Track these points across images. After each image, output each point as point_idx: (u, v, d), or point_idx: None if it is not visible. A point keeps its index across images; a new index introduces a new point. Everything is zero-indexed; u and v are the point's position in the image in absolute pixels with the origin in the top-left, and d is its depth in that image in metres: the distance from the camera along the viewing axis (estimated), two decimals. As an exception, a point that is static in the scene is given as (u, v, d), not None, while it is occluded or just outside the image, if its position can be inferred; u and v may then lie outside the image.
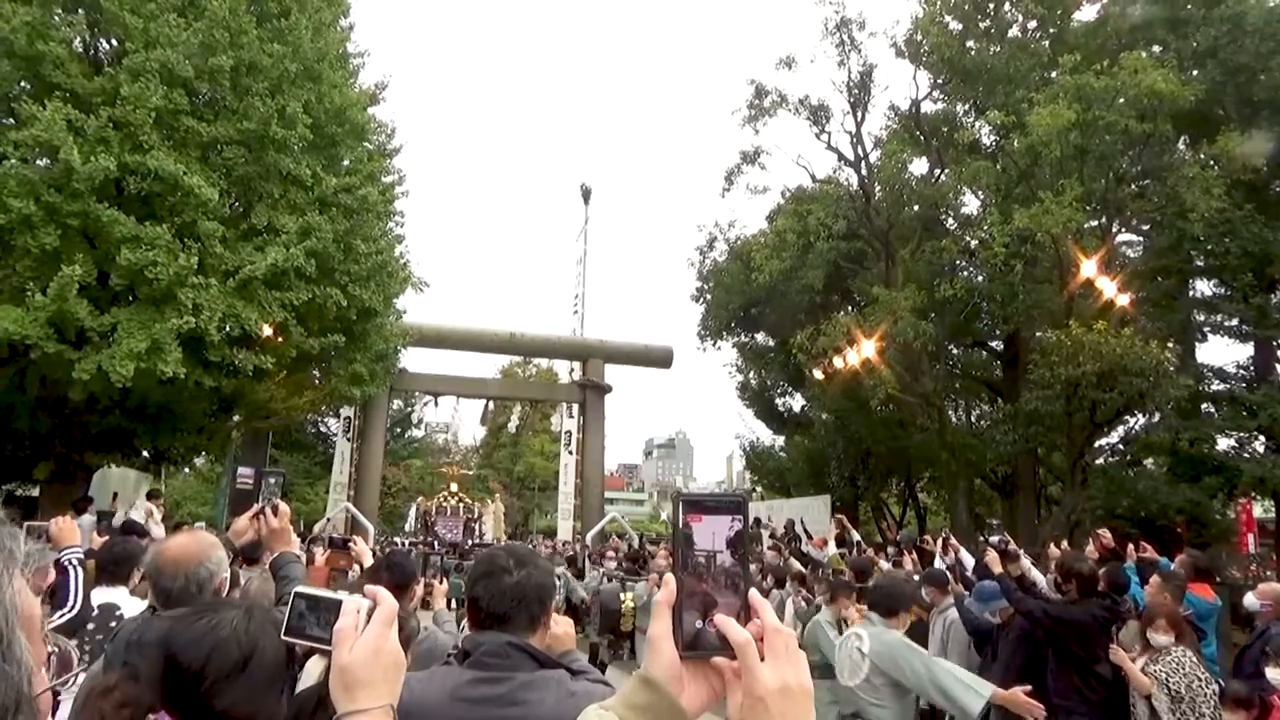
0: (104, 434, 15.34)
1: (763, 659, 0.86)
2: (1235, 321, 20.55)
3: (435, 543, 27.98)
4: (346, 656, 1.21)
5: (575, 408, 28.78)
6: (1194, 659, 5.03)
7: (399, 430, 47.13)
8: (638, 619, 11.88)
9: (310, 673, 3.62)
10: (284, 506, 2.92)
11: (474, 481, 47.59)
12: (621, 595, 12.46)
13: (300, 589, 1.37)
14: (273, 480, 2.95)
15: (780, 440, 33.20)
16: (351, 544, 4.84)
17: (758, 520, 24.95)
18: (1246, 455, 19.90)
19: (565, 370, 32.72)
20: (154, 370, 12.29)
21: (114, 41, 14.09)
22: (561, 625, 2.32)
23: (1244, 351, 22.28)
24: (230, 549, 2.89)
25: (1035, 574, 7.02)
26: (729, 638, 0.87)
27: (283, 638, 1.34)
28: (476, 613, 2.03)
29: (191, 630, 1.99)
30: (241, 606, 1.99)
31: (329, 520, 18.90)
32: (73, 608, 3.09)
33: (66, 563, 3.23)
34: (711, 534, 0.91)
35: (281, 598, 2.72)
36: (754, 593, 0.90)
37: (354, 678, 1.20)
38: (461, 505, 34.29)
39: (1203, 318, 21.82)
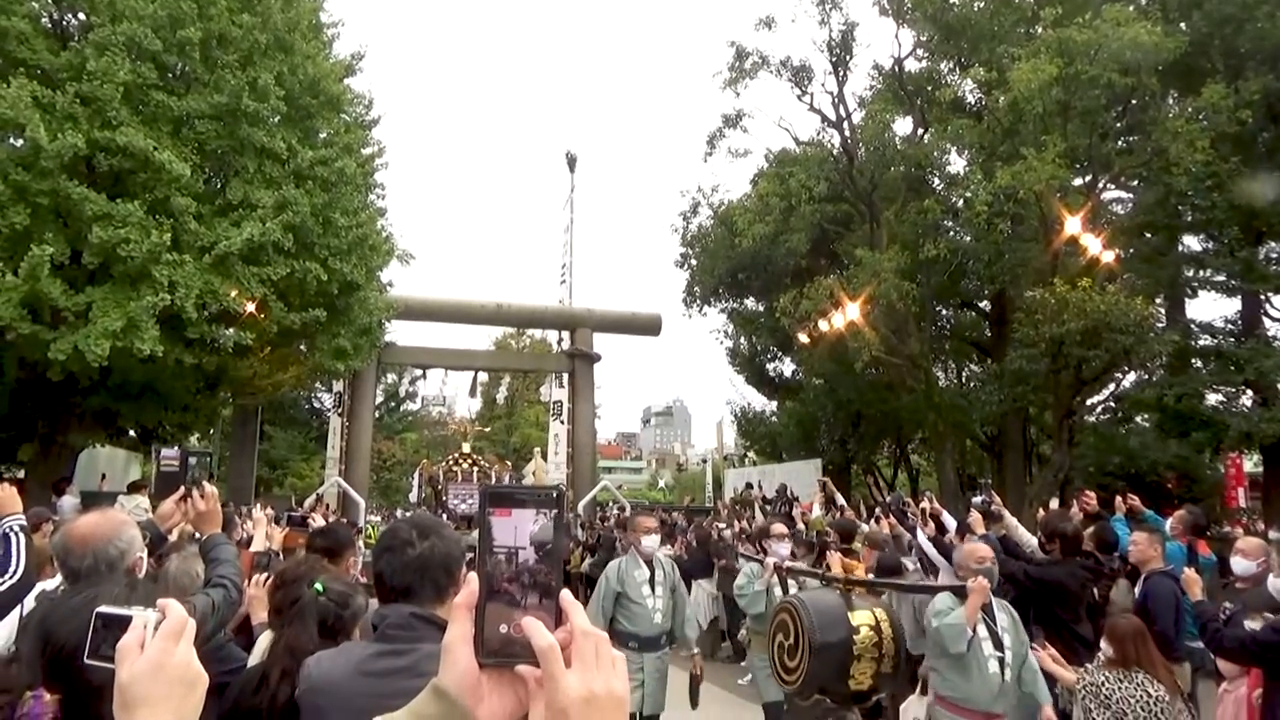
0: (88, 414, 15.30)
1: (570, 665, 0.79)
2: (1223, 276, 20.38)
3: (446, 516, 23.18)
4: (126, 674, 1.10)
5: (565, 377, 28.70)
6: (1150, 683, 4.26)
7: (392, 404, 47.02)
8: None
9: (261, 647, 3.60)
10: (210, 488, 2.87)
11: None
12: (851, 616, 5.02)
13: (101, 608, 1.26)
14: (194, 461, 2.89)
15: (772, 405, 33.20)
16: (310, 520, 4.82)
17: (749, 485, 25.07)
18: (1234, 410, 19.88)
19: (557, 340, 32.35)
20: (131, 349, 12.22)
21: (80, 15, 13.88)
22: None
23: (1232, 306, 22.19)
24: (154, 533, 2.83)
25: (1022, 534, 6.89)
26: (532, 643, 0.79)
27: (86, 661, 1.23)
28: (381, 587, 2.01)
29: (64, 608, 1.95)
30: (125, 582, 1.95)
31: (319, 496, 18.87)
32: (14, 574, 3.05)
33: (8, 530, 3.19)
34: (515, 529, 0.84)
35: (209, 580, 2.68)
36: (565, 594, 0.83)
37: (131, 695, 1.08)
38: (477, 470, 29.38)
39: (1191, 273, 21.61)
